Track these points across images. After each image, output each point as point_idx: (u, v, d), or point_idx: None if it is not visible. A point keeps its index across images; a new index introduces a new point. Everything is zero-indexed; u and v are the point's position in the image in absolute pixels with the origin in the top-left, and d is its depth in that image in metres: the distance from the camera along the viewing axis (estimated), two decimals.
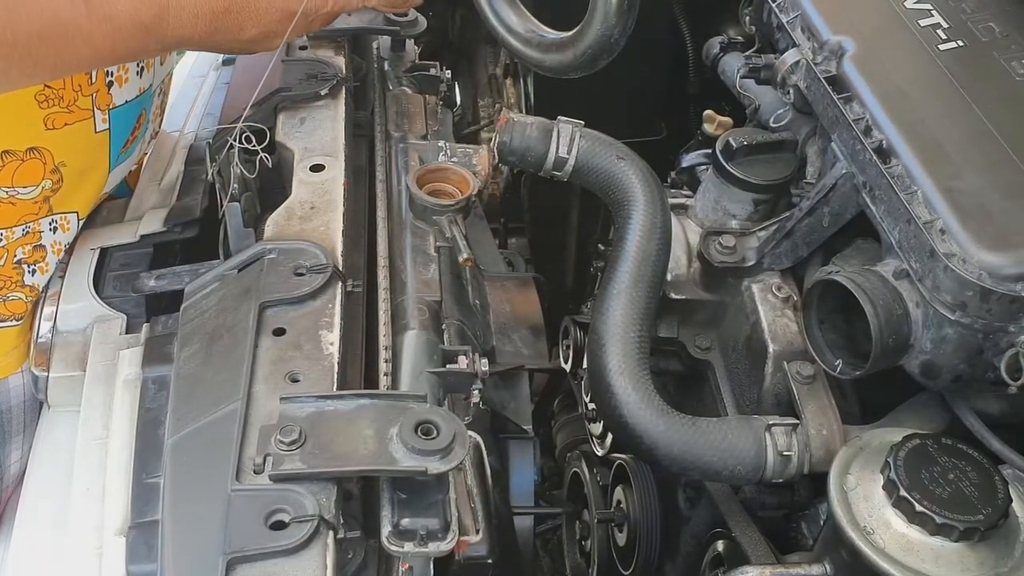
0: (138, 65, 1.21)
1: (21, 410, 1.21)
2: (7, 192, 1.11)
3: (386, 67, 1.43)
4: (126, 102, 1.20)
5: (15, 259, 1.14)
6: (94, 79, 1.14)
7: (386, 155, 1.26)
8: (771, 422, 1.00)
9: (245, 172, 1.08)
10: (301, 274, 0.98)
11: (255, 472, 0.79)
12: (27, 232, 1.14)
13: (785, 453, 0.98)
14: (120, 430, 0.96)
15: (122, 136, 1.22)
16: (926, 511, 0.82)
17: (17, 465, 1.22)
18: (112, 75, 1.17)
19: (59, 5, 0.94)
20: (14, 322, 1.17)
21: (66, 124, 1.12)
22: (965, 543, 0.82)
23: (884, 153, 0.98)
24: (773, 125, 1.22)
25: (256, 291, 0.97)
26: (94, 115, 1.15)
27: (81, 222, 1.20)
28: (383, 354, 0.98)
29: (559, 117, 1.18)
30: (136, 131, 1.26)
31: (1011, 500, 0.84)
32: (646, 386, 1.01)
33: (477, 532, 0.85)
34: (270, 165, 1.12)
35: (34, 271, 1.16)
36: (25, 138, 1.10)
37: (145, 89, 1.24)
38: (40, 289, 1.17)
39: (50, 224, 1.16)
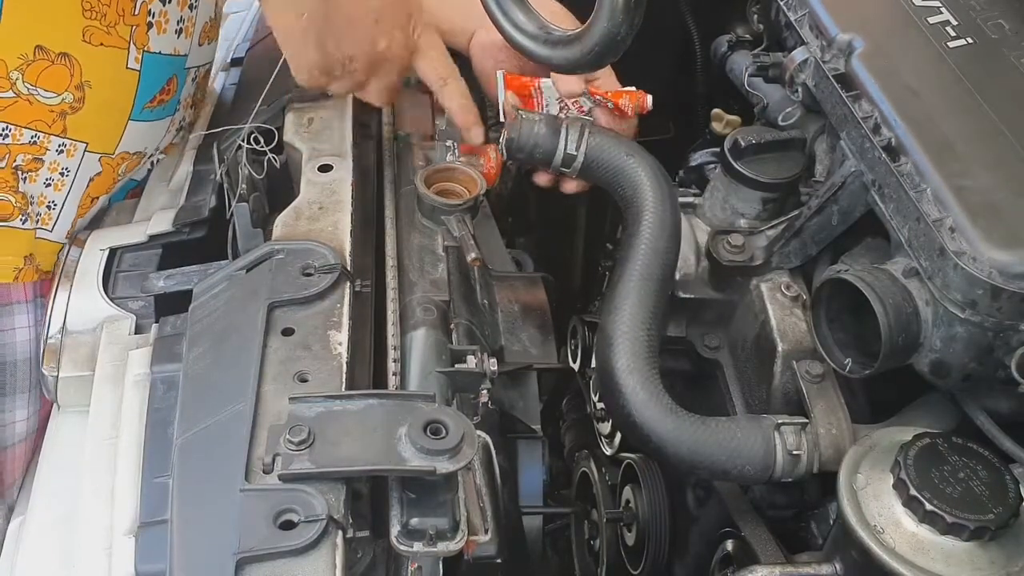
0: (178, 24, 1.23)
1: (27, 367, 1.22)
2: (29, 89, 1.11)
3: None
4: (160, 52, 1.22)
5: (14, 163, 1.15)
6: (137, 10, 1.16)
7: (394, 155, 1.26)
8: (780, 421, 1.00)
9: (253, 173, 1.08)
10: (309, 274, 0.99)
11: (264, 472, 0.79)
12: (34, 142, 1.15)
13: (794, 452, 0.98)
14: (129, 430, 0.96)
15: (150, 88, 1.23)
16: (936, 510, 0.81)
17: (23, 425, 1.23)
18: (154, 16, 1.18)
19: None
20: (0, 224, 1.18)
21: (102, 44, 1.14)
22: (976, 542, 0.82)
23: (893, 151, 0.98)
24: (781, 123, 1.21)
25: (265, 291, 0.97)
26: (129, 49, 1.17)
27: (86, 155, 1.21)
28: (391, 354, 0.99)
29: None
30: (164, 95, 1.26)
31: (1022, 499, 0.83)
32: (655, 385, 1.01)
33: (486, 532, 0.85)
34: (278, 166, 1.12)
35: (26, 179, 1.17)
36: (62, 40, 1.11)
37: (180, 53, 1.26)
38: (30, 198, 1.18)
39: (59, 146, 1.17)
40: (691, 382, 1.21)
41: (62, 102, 1.14)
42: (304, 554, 0.75)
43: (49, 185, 1.19)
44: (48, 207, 1.22)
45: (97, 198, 1.28)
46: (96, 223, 1.28)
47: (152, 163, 1.35)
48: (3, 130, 1.13)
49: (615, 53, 1.18)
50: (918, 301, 0.93)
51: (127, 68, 1.19)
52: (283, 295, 0.96)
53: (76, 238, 1.24)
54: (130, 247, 1.20)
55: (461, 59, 1.35)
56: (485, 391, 0.98)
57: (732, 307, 1.16)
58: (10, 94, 1.11)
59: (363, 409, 0.82)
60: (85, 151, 1.20)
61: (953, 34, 1.10)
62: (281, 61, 1.20)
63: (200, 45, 1.32)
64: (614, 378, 1.02)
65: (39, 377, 1.17)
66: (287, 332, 0.93)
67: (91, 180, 1.24)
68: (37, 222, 1.21)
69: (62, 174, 1.19)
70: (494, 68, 1.29)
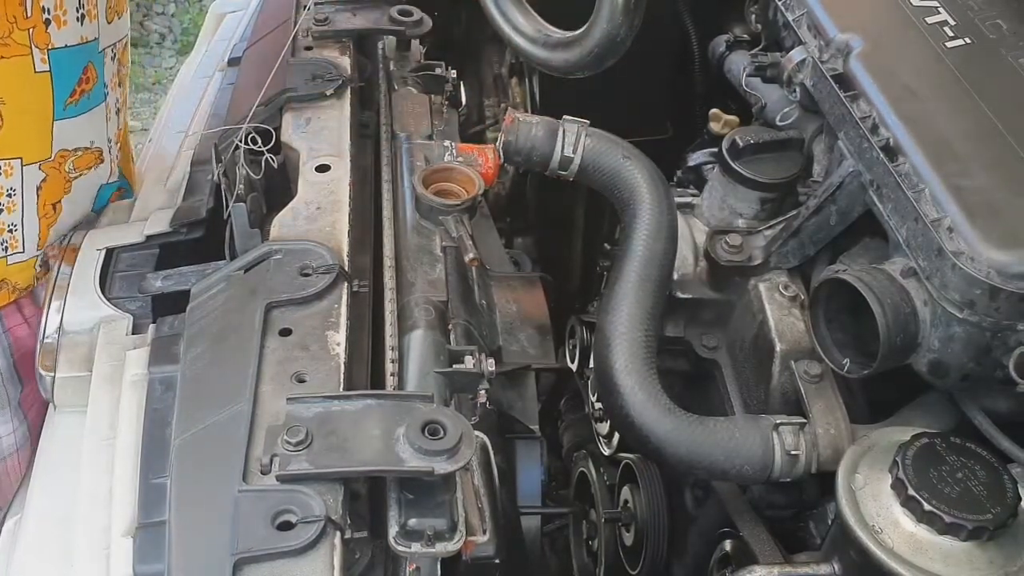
0: (78, 11, 1.19)
1: (1, 381, 1.20)
2: None
3: (391, 67, 1.43)
4: (67, 46, 1.18)
5: None
6: (29, 12, 1.13)
7: (392, 155, 1.26)
8: (778, 421, 1.00)
9: (251, 173, 1.08)
10: (307, 274, 0.98)
11: (262, 473, 0.79)
12: None
13: (793, 452, 0.98)
14: (127, 431, 0.96)
15: (66, 84, 1.20)
16: (935, 510, 0.81)
17: (10, 439, 1.21)
18: (49, 12, 1.15)
19: None
20: None
21: (2, 58, 1.11)
22: (974, 542, 0.82)
23: (891, 151, 0.98)
24: (779, 123, 1.21)
25: (262, 292, 0.97)
26: (32, 53, 1.14)
27: (25, 169, 1.18)
28: (389, 354, 0.98)
29: (564, 116, 1.17)
30: (84, 85, 1.23)
31: (1020, 499, 0.83)
32: (653, 385, 1.01)
33: (484, 532, 0.85)
34: (276, 166, 1.12)
35: None
36: None
37: (88, 40, 1.22)
38: None
39: None
40: (689, 382, 1.21)
41: None
42: (302, 555, 0.75)
43: (1, 211, 1.18)
44: (10, 231, 1.20)
45: (58, 202, 1.25)
46: (87, 225, 1.28)
47: (115, 158, 1.32)
48: None
49: (615, 54, 1.18)
50: (916, 301, 0.93)
51: (36, 72, 1.16)
52: (281, 295, 0.96)
53: (69, 247, 1.22)
54: (127, 247, 1.20)
55: (461, 58, 1.35)
56: (483, 391, 0.98)
57: (730, 307, 1.16)
58: None
59: (361, 409, 0.82)
60: (22, 166, 1.18)
61: (951, 34, 1.10)
62: (279, 61, 1.20)
63: (109, 23, 1.28)
64: (612, 378, 1.02)
65: (15, 393, 1.16)
66: (285, 332, 0.93)
67: (39, 188, 1.22)
68: (5, 249, 1.20)
69: (9, 195, 1.17)
70: None
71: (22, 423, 1.21)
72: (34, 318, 1.24)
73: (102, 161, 1.30)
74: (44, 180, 1.22)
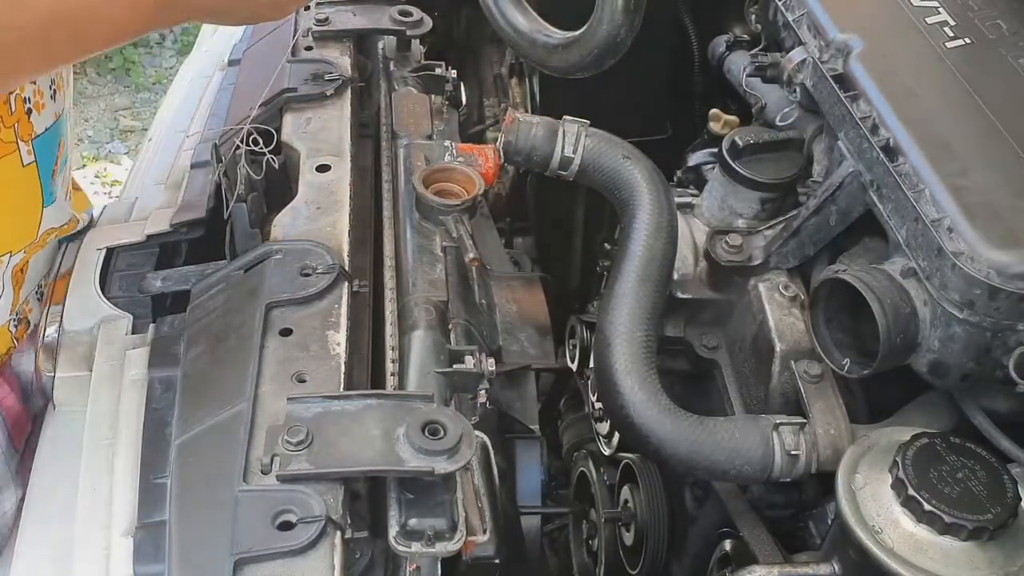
0: (51, 88, 1.12)
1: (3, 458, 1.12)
2: None
3: (392, 67, 1.43)
4: (46, 129, 1.10)
5: None
6: (13, 108, 1.05)
7: (392, 155, 1.26)
8: (778, 421, 1.00)
9: (251, 173, 1.08)
10: (307, 274, 0.98)
11: (262, 472, 0.79)
12: None
13: (792, 452, 0.98)
14: (127, 431, 0.96)
15: (48, 167, 1.12)
16: (935, 510, 0.82)
17: (12, 509, 1.13)
18: (30, 101, 1.07)
19: None
20: None
21: None
22: (974, 542, 0.82)
23: (891, 151, 0.98)
24: (779, 124, 1.21)
25: (262, 291, 0.97)
26: (19, 147, 1.05)
27: (15, 257, 1.10)
28: (390, 354, 0.98)
29: (564, 116, 1.17)
30: (58, 160, 1.15)
31: (1020, 499, 0.83)
32: (653, 385, 1.01)
33: (484, 532, 0.85)
34: (276, 166, 1.12)
35: None
36: None
37: (60, 114, 1.15)
38: None
39: None
40: (689, 382, 1.21)
41: None
42: (302, 554, 0.75)
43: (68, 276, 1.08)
44: None
45: (26, 263, 1.16)
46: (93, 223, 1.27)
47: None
48: None
49: (615, 55, 1.18)
50: (916, 301, 0.93)
51: (24, 166, 1.06)
52: (281, 295, 0.96)
53: (59, 279, 1.15)
54: (127, 247, 1.19)
55: (462, 58, 1.35)
56: (483, 391, 0.98)
57: (730, 307, 1.16)
58: None
59: (361, 409, 0.82)
60: (10, 257, 1.10)
61: (951, 34, 1.10)
62: (281, 64, 1.20)
63: (70, 86, 1.19)
64: (612, 378, 1.02)
65: (13, 464, 1.09)
66: (285, 332, 0.93)
67: (16, 266, 1.13)
68: None
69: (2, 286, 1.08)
70: None
71: (19, 488, 1.14)
72: (16, 384, 1.16)
73: (78, 222, 1.22)
74: (23, 258, 1.14)
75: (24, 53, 0.84)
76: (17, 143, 1.05)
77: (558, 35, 1.27)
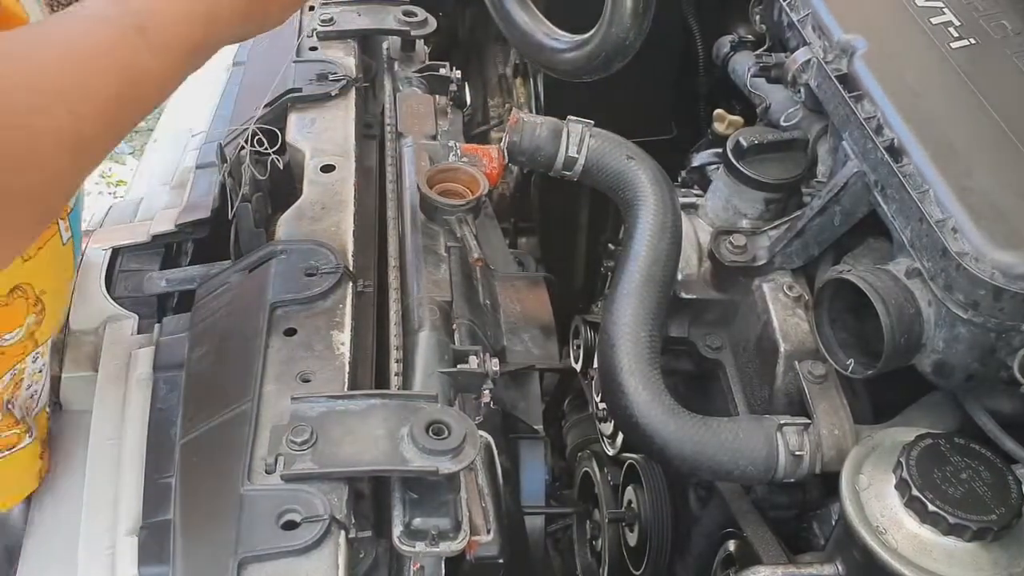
0: None
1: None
2: None
3: (396, 67, 1.43)
4: (75, 202, 1.05)
5: (7, 407, 0.99)
6: None
7: (396, 155, 1.26)
8: (782, 422, 1.00)
9: (256, 173, 1.08)
10: (312, 274, 0.99)
11: (266, 472, 0.79)
12: (13, 375, 0.98)
13: (797, 453, 0.98)
14: (132, 430, 0.97)
15: (79, 238, 1.08)
16: (939, 511, 0.81)
17: (18, 509, 1.07)
18: None
19: (121, 53, 0.82)
20: (7, 452, 1.02)
21: (39, 248, 0.98)
22: (978, 543, 0.82)
23: (895, 151, 0.98)
24: (784, 124, 1.21)
25: (267, 291, 0.97)
26: (59, 227, 1.01)
27: (52, 339, 1.06)
28: (394, 354, 0.98)
29: (569, 117, 1.17)
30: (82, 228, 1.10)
31: None
32: (657, 386, 1.01)
33: (488, 532, 0.85)
34: (281, 167, 1.12)
35: (14, 404, 1.01)
36: (5, 280, 0.95)
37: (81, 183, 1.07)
38: (24, 411, 1.03)
39: (33, 357, 1.00)
40: (693, 382, 1.22)
41: (27, 328, 0.98)
42: (306, 554, 0.75)
43: (30, 388, 1.04)
44: (33, 399, 1.05)
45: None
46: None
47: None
48: None
49: (623, 58, 1.18)
50: (920, 302, 0.93)
51: (63, 245, 1.02)
52: (285, 295, 0.96)
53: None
54: (132, 247, 1.20)
55: (466, 58, 1.35)
56: (487, 391, 0.98)
57: (734, 308, 1.16)
58: None
59: (366, 409, 0.82)
60: (51, 340, 1.05)
61: (956, 35, 1.10)
62: (286, 64, 1.20)
63: None
64: (616, 379, 1.02)
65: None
66: (289, 332, 0.93)
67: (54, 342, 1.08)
68: (34, 419, 1.05)
69: (40, 370, 1.04)
70: None
71: None
72: None
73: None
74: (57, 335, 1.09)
75: (99, 138, 0.82)
76: (57, 222, 1.01)
77: (566, 38, 1.27)
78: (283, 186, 1.15)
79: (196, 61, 0.92)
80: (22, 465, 1.02)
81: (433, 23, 1.44)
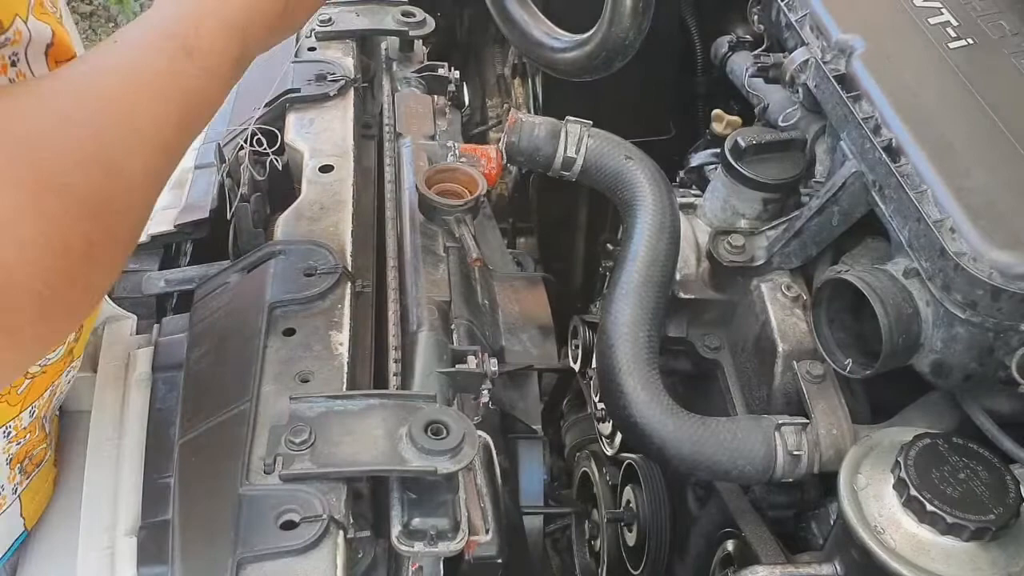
0: None
1: None
2: (40, 365, 0.93)
3: (394, 68, 1.43)
4: None
5: (42, 422, 0.99)
6: None
7: (395, 155, 1.26)
8: (781, 421, 1.00)
9: (255, 173, 1.08)
10: (310, 274, 0.99)
11: (265, 472, 0.79)
12: (52, 392, 0.98)
13: (795, 452, 0.98)
14: (131, 430, 0.97)
15: None
16: (937, 511, 0.82)
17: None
18: None
19: (178, 80, 0.80)
20: (37, 469, 1.01)
21: None
22: (976, 543, 0.82)
23: (893, 152, 0.98)
24: (782, 124, 1.21)
25: (265, 292, 0.97)
26: None
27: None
28: (392, 354, 0.99)
29: (567, 117, 1.18)
30: None
31: (1022, 500, 0.83)
32: (655, 386, 1.01)
33: (487, 532, 0.85)
34: (280, 167, 1.12)
35: (47, 419, 1.01)
36: None
37: None
38: (47, 429, 1.02)
39: (67, 372, 0.99)
40: (692, 383, 1.22)
41: (68, 344, 0.95)
42: (305, 554, 0.75)
43: (58, 399, 1.03)
44: (53, 408, 1.04)
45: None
46: None
47: None
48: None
49: (623, 58, 1.18)
50: (919, 302, 0.94)
51: None
52: (284, 295, 0.96)
53: None
54: None
55: (464, 59, 1.35)
56: (486, 391, 0.98)
57: (733, 308, 1.16)
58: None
59: (364, 409, 0.82)
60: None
61: (954, 35, 1.10)
62: (285, 64, 1.20)
63: None
64: (614, 379, 1.02)
65: None
66: (288, 332, 0.93)
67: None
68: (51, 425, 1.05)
69: (70, 382, 1.03)
70: None
71: None
72: None
73: None
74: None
75: (171, 160, 0.81)
76: None
77: (565, 37, 1.27)
78: (282, 186, 1.15)
79: (238, 75, 0.90)
80: (47, 478, 1.03)
81: (432, 23, 1.44)
